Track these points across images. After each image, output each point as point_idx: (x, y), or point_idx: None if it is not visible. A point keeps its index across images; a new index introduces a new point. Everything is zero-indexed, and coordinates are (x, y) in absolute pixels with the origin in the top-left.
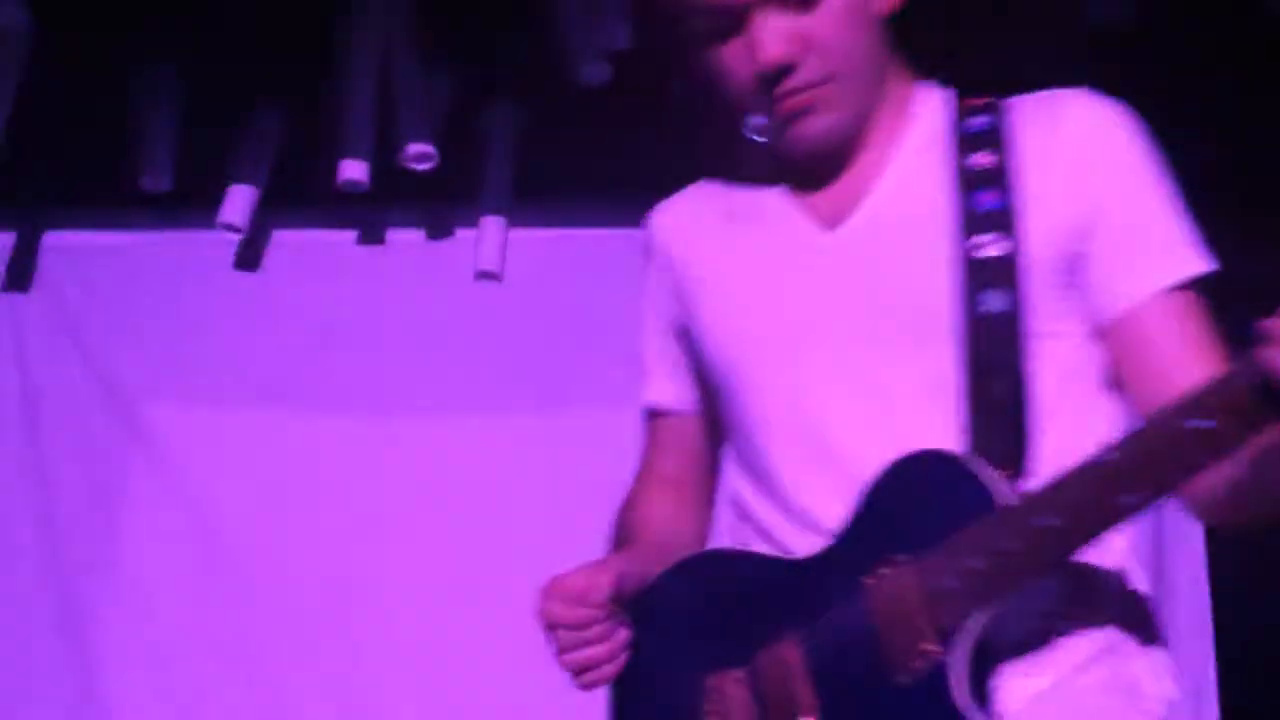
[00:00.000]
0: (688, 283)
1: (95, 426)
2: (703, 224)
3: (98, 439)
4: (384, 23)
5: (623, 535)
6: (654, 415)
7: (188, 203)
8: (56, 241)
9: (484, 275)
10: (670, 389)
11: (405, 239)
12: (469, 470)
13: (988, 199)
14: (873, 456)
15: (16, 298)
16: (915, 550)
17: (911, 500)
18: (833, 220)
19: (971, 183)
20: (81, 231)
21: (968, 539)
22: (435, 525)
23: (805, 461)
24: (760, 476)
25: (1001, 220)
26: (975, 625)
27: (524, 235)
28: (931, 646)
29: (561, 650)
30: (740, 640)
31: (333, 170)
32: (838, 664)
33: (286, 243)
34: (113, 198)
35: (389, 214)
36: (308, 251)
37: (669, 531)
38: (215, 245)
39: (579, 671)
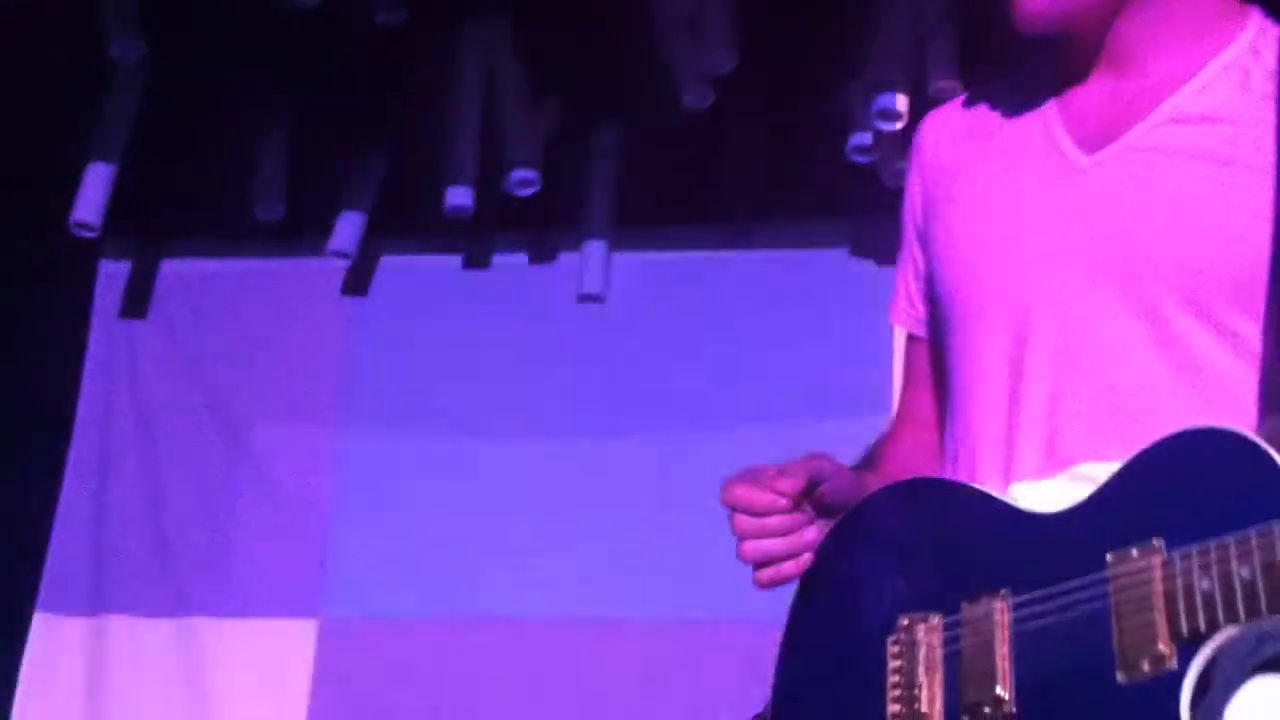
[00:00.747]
0: (934, 192)
1: (209, 449)
2: (963, 131)
3: (211, 461)
4: (487, 49)
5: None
6: (908, 340)
7: (299, 230)
8: (172, 269)
9: (587, 298)
10: (911, 312)
11: (509, 263)
12: (575, 491)
13: None
14: (1131, 425)
15: (133, 323)
16: (1175, 536)
17: (1189, 480)
18: (1094, 142)
19: None
20: (196, 259)
21: (1244, 543)
22: (539, 548)
23: (1028, 409)
24: (960, 414)
25: None
26: (1221, 641)
27: (626, 259)
28: (1165, 649)
29: (740, 537)
30: (946, 583)
31: (439, 197)
32: (1052, 640)
33: (393, 268)
34: (227, 226)
35: (493, 239)
36: (414, 277)
37: (906, 467)
38: (325, 272)
39: (757, 565)
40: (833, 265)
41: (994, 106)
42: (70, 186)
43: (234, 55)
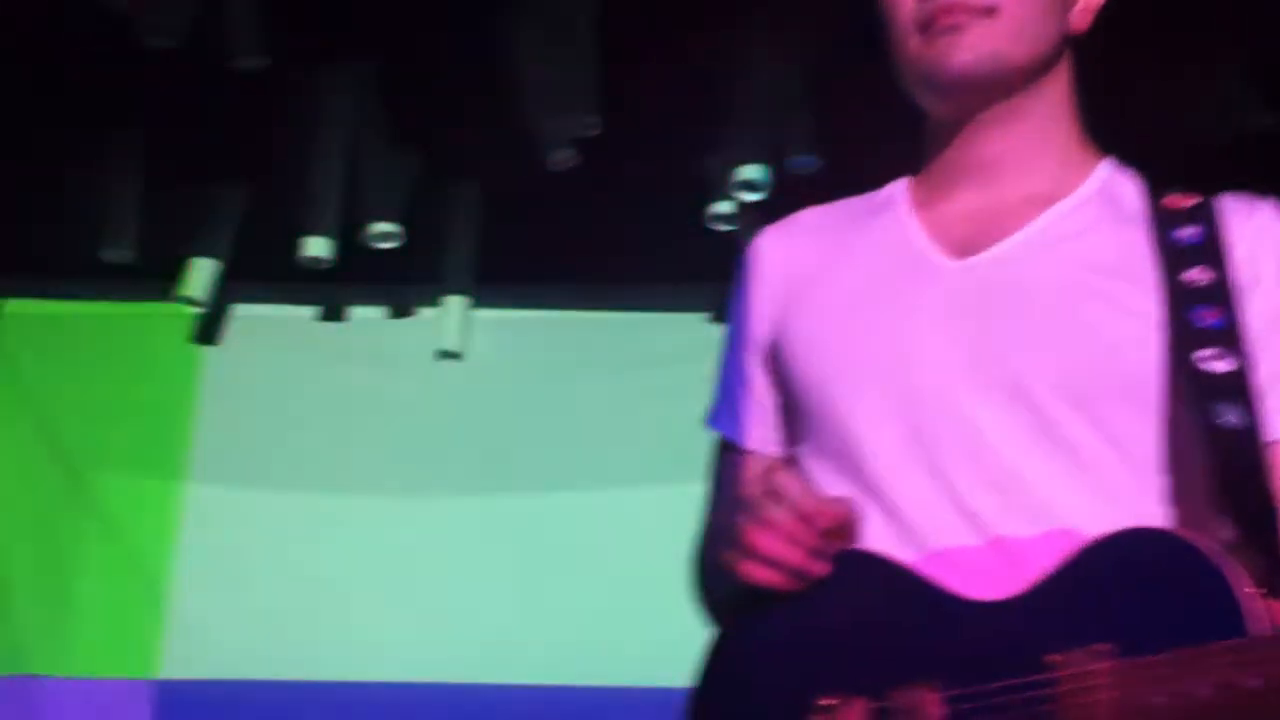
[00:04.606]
0: (786, 304)
1: (47, 495)
2: (812, 244)
3: (49, 507)
4: (353, 101)
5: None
6: (727, 448)
7: (149, 274)
8: (14, 310)
9: (445, 354)
10: (748, 425)
11: (367, 316)
12: (427, 549)
13: (1209, 316)
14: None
15: None
16: (1123, 643)
17: (1137, 583)
18: (961, 250)
19: (1188, 298)
20: (40, 300)
21: (1199, 659)
22: (388, 608)
23: (916, 492)
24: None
25: (1226, 338)
26: None
27: (487, 316)
28: None
29: (762, 522)
30: (873, 667)
31: (296, 246)
32: None
33: (247, 317)
34: (75, 268)
35: (351, 292)
36: (268, 327)
37: None
38: (175, 318)
39: (754, 552)
40: (692, 329)
41: (844, 222)
42: None
43: (88, 92)
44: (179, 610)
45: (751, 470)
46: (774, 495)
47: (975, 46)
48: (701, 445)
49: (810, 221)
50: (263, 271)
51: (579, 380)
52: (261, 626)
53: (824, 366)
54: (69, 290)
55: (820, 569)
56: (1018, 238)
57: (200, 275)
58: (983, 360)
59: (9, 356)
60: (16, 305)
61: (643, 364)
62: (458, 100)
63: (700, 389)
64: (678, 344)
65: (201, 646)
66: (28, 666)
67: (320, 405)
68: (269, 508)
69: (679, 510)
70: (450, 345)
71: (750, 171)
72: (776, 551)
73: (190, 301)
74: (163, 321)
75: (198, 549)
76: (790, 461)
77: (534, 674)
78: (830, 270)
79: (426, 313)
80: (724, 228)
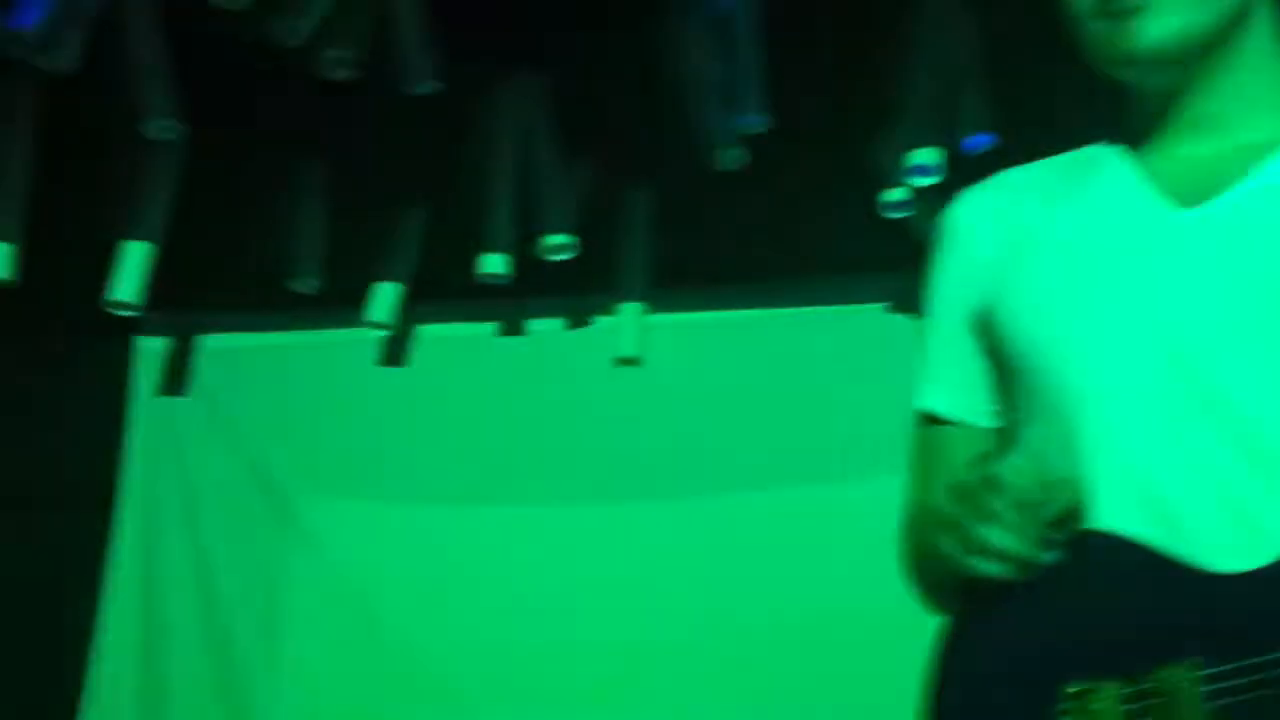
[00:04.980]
0: (1002, 260)
1: (255, 524)
2: (1023, 199)
3: (258, 536)
4: (519, 115)
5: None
6: (932, 421)
7: (336, 302)
8: (211, 344)
9: (624, 362)
10: (960, 396)
11: (545, 329)
12: (617, 558)
13: None
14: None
15: (175, 401)
16: None
17: None
18: (1191, 198)
19: None
20: (234, 334)
21: None
22: (585, 613)
23: (1176, 454)
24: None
25: None
26: None
27: (664, 321)
28: None
29: (984, 515)
30: (1126, 647)
31: (473, 265)
32: (1257, 718)
33: (430, 337)
34: (263, 299)
35: (528, 305)
36: (450, 346)
37: None
38: (362, 342)
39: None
40: (871, 321)
41: (1052, 179)
42: (104, 263)
43: (267, 127)
44: (390, 632)
45: (965, 444)
46: (993, 485)
47: (1159, 24)
48: (894, 435)
49: (1013, 181)
50: (442, 291)
51: (761, 379)
52: (471, 642)
53: (1052, 327)
54: (261, 322)
55: (1050, 556)
56: (1250, 183)
57: (385, 299)
58: (1232, 309)
59: (208, 392)
60: (215, 340)
61: (823, 359)
62: (625, 106)
63: (885, 380)
64: (858, 337)
65: (417, 666)
66: (245, 698)
67: (508, 419)
68: (467, 523)
69: (872, 504)
70: (628, 352)
71: (922, 155)
72: (1002, 545)
73: (376, 325)
74: (352, 347)
75: (404, 569)
76: (1005, 432)
77: (740, 675)
78: (1047, 228)
79: (604, 321)
80: (898, 215)
